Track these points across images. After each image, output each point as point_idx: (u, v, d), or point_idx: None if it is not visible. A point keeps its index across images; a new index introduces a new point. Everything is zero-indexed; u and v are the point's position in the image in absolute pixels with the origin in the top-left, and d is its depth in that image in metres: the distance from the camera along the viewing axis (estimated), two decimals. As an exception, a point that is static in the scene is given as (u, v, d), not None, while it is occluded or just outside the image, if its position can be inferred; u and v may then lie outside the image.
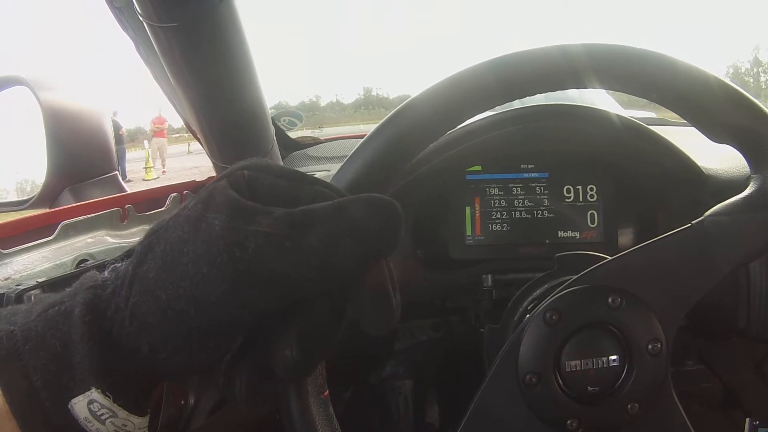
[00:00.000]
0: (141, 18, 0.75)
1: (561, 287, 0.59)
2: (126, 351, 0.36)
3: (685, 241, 0.59)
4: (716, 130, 0.60)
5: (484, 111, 0.62)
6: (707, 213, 0.59)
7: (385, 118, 0.59)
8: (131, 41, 0.94)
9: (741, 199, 0.59)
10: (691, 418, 0.61)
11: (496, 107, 0.63)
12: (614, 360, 0.57)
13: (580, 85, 0.59)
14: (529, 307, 0.71)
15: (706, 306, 0.86)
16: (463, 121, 0.61)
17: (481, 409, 0.59)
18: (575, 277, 0.59)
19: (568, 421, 0.57)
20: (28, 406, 0.35)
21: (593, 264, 0.60)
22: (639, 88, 0.59)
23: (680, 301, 0.59)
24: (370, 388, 1.25)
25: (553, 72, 0.58)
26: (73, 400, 0.35)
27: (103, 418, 0.35)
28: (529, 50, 0.59)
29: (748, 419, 0.94)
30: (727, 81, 0.58)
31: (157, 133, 15.70)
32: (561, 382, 0.58)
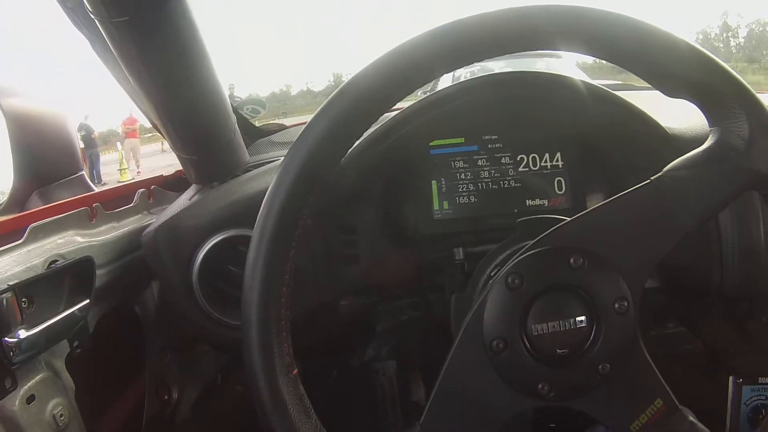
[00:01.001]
0: (92, 15, 0.74)
1: (522, 251, 0.59)
2: None
3: (644, 197, 0.59)
4: (672, 85, 0.59)
5: (438, 76, 0.60)
6: (666, 168, 0.59)
7: (335, 91, 0.58)
8: (87, 41, 0.93)
9: (700, 152, 0.59)
10: (674, 380, 0.61)
11: (460, 77, 0.63)
12: (581, 321, 0.57)
13: (530, 47, 0.57)
14: (492, 273, 0.71)
15: (680, 265, 0.86)
16: (416, 88, 0.59)
17: (449, 378, 0.59)
18: (534, 240, 0.59)
19: (539, 385, 0.58)
20: None
21: (553, 226, 0.60)
22: (592, 48, 0.57)
23: (644, 258, 0.59)
24: (354, 370, 1.25)
25: (506, 34, 0.57)
26: None
27: None
28: (482, 13, 0.57)
29: (731, 378, 0.95)
30: (679, 36, 0.57)
31: (129, 134, 15.57)
32: (528, 346, 0.58)
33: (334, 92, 0.58)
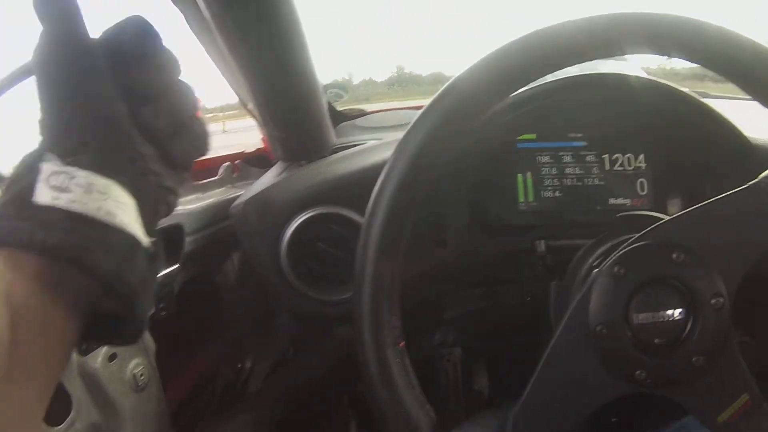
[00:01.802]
0: None
1: (626, 243, 0.61)
2: None
3: (743, 199, 0.60)
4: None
5: (536, 80, 0.63)
6: (762, 175, 0.60)
7: (440, 90, 0.61)
8: (182, 15, 0.96)
9: None
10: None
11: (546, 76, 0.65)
12: (680, 313, 0.59)
13: (644, 52, 0.60)
14: (594, 263, 0.72)
15: (759, 273, 0.87)
16: (516, 90, 0.63)
17: (553, 359, 0.61)
18: (639, 234, 0.61)
19: (637, 372, 0.59)
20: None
21: (652, 223, 0.61)
22: (699, 56, 0.60)
23: (740, 256, 0.60)
24: (420, 355, 1.27)
25: (619, 37, 0.59)
26: (36, 191, 0.36)
27: (64, 186, 0.37)
28: (571, 20, 0.60)
29: None
30: None
31: None
32: (630, 334, 0.59)
33: (443, 87, 0.61)
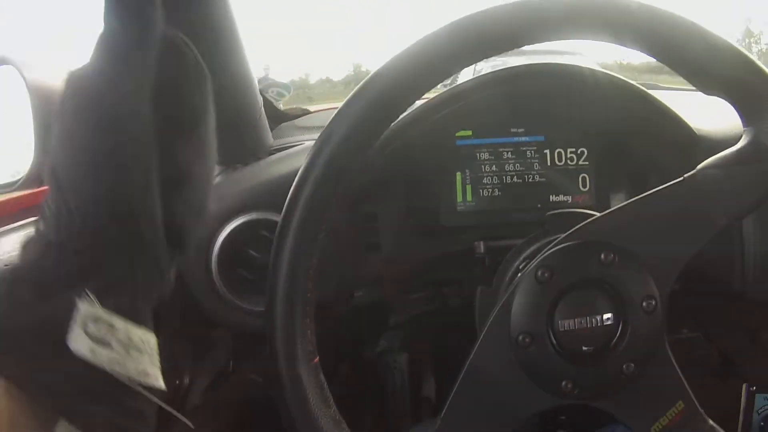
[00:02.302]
0: None
1: (552, 245, 0.59)
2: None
3: (677, 195, 0.58)
4: (709, 83, 0.59)
5: (465, 66, 0.59)
6: (699, 166, 0.59)
7: (365, 80, 0.57)
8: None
9: (734, 151, 0.59)
10: (689, 386, 0.61)
11: (484, 69, 0.62)
12: (608, 318, 0.57)
13: (567, 36, 0.57)
14: (520, 267, 0.71)
15: (701, 267, 0.86)
16: (446, 77, 0.59)
17: (474, 371, 0.59)
18: (566, 234, 0.59)
19: (563, 383, 0.57)
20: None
21: (584, 221, 0.59)
22: (633, 40, 0.57)
23: (673, 256, 0.59)
24: (365, 362, 1.25)
25: (542, 23, 0.56)
26: (70, 336, 0.34)
27: (107, 339, 0.35)
28: (504, 4, 0.56)
29: (745, 385, 0.94)
30: (718, 33, 0.57)
31: None
32: (555, 342, 0.57)
33: (364, 80, 0.57)
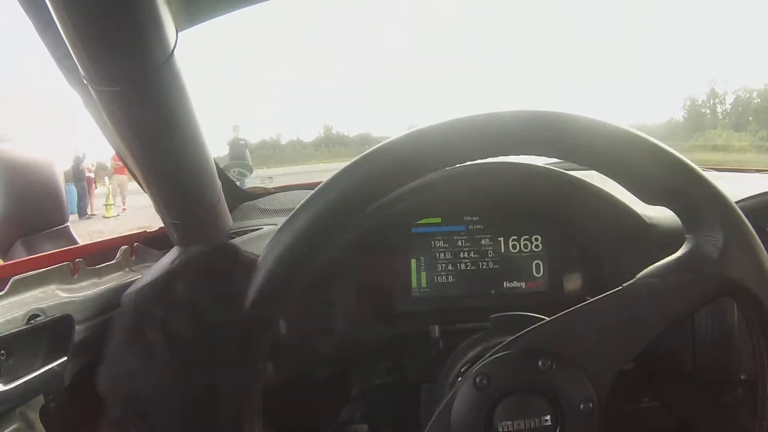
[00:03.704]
0: (85, 81, 0.75)
1: (492, 351, 0.60)
2: None
3: (616, 304, 0.59)
4: (649, 193, 0.60)
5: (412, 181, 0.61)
6: (639, 275, 0.60)
7: (317, 189, 0.59)
8: (80, 98, 0.94)
9: (672, 260, 0.60)
10: None
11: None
12: (547, 420, 0.58)
13: (507, 152, 0.58)
14: (462, 369, 0.71)
15: (653, 351, 0.87)
16: (388, 194, 0.60)
17: None
18: (505, 341, 0.60)
19: None
20: None
21: (527, 325, 0.60)
22: (570, 155, 0.59)
23: (611, 361, 0.60)
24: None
25: (481, 141, 0.58)
26: None
27: None
28: (448, 121, 0.58)
29: None
30: (657, 142, 0.58)
31: (118, 170, 15.38)
32: (494, 408, 0.58)
33: (323, 183, 0.59)
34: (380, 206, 0.86)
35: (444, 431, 0.59)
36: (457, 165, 0.60)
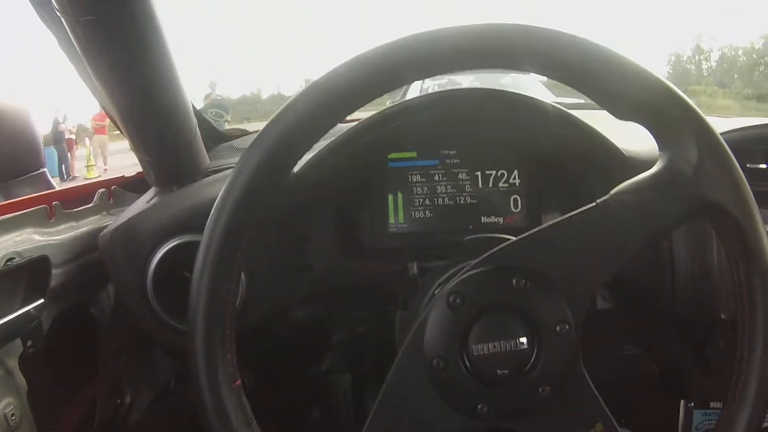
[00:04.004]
0: (58, 12, 0.74)
1: (464, 270, 0.60)
2: None
3: (589, 220, 0.59)
4: (621, 108, 0.59)
5: (400, 86, 0.60)
6: (613, 191, 0.59)
7: (290, 98, 0.58)
8: (54, 37, 0.93)
9: (647, 176, 0.59)
10: (628, 402, 0.61)
11: (428, 89, 0.63)
12: (522, 342, 0.57)
13: (480, 66, 0.57)
14: (435, 292, 0.71)
15: (632, 284, 0.87)
16: (377, 96, 0.58)
17: (391, 393, 0.60)
18: (478, 259, 0.60)
19: (479, 406, 0.58)
20: None
21: (496, 243, 0.60)
22: (542, 67, 0.57)
23: (587, 281, 0.60)
24: (310, 381, 1.25)
25: (456, 51, 0.56)
26: None
27: None
28: (441, 28, 0.56)
29: (682, 402, 0.96)
30: (629, 57, 0.57)
31: (98, 130, 15.12)
32: (469, 366, 0.58)
33: (289, 99, 0.58)
34: (356, 134, 0.86)
35: (419, 354, 0.58)
36: (444, 78, 0.59)
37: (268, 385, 1.08)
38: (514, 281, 0.58)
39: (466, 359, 0.58)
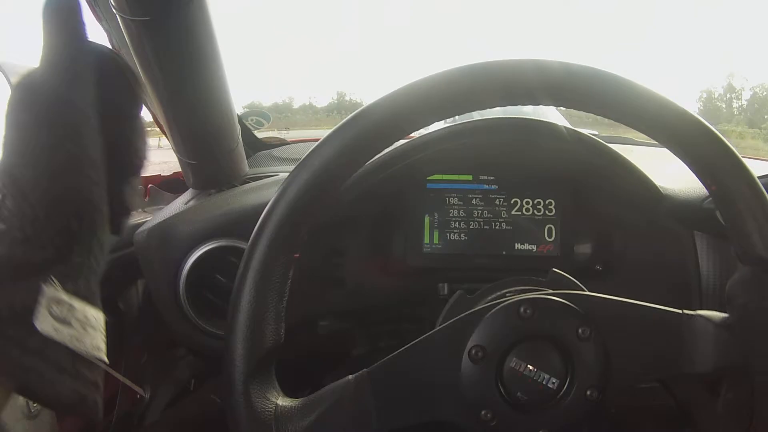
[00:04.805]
0: (114, 10, 0.75)
1: (547, 292, 0.60)
2: None
3: (667, 322, 0.59)
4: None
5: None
6: (702, 313, 0.59)
7: (348, 117, 0.58)
8: (104, 32, 0.94)
9: (733, 317, 0.59)
10: None
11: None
12: (553, 383, 0.57)
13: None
14: (507, 295, 0.71)
15: None
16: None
17: (417, 351, 0.59)
18: (564, 292, 0.60)
19: (483, 411, 0.57)
20: None
21: (578, 290, 0.61)
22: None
23: (634, 373, 0.60)
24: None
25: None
26: (36, 316, 0.37)
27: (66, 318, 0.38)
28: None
29: None
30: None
31: None
32: (497, 371, 0.58)
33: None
34: (397, 156, 0.87)
35: (465, 334, 0.58)
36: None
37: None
38: (580, 330, 0.57)
39: (500, 364, 0.58)
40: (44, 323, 0.37)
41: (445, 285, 0.89)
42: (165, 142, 1.01)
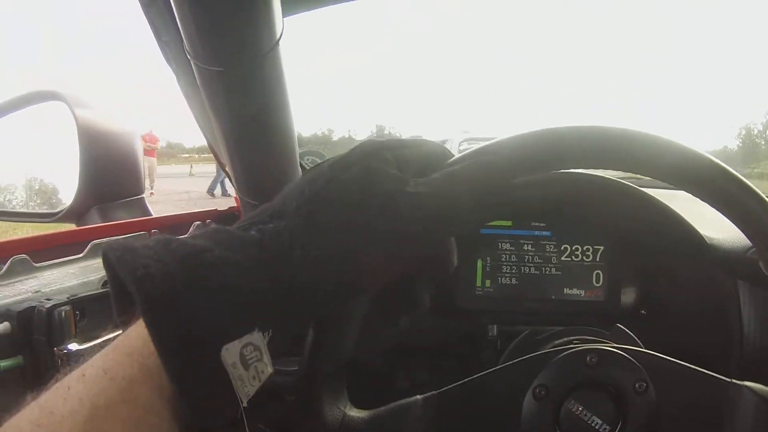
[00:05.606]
0: (189, 57, 0.78)
1: (612, 345, 0.64)
2: (295, 292, 0.40)
3: (715, 391, 0.62)
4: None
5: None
6: (750, 385, 0.62)
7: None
8: (173, 74, 0.97)
9: None
10: None
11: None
12: (605, 429, 0.61)
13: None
14: (574, 341, 0.75)
15: (697, 353, 0.90)
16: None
17: (485, 381, 0.62)
18: (627, 347, 0.63)
19: None
20: (181, 354, 0.36)
21: (638, 346, 0.65)
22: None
23: (684, 429, 0.63)
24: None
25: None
26: (228, 345, 0.37)
27: (250, 362, 0.38)
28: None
29: None
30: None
31: (148, 152, 15.02)
32: (555, 411, 0.61)
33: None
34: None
35: (532, 371, 0.62)
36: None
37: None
38: (637, 385, 0.61)
39: (558, 405, 0.61)
40: (229, 355, 0.37)
41: (495, 326, 0.92)
42: (197, 169, 1.03)
